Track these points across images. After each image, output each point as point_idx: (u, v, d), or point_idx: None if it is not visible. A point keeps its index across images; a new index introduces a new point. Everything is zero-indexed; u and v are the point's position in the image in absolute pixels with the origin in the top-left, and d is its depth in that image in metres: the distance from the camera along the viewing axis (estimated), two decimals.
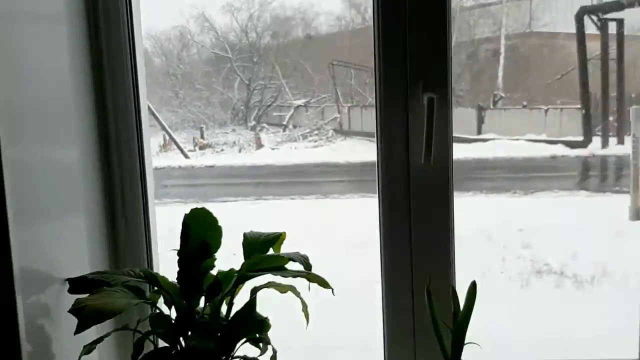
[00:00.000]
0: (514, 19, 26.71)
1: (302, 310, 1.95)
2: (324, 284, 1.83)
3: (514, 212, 8.62)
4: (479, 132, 23.43)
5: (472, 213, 9.28)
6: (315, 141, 24.09)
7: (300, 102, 28.70)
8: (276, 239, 1.95)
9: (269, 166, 15.33)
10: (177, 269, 1.83)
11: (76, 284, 1.74)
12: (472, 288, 2.00)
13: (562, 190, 10.99)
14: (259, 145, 15.75)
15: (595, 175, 14.87)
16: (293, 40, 20.38)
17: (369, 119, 26.31)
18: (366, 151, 20.99)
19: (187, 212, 1.82)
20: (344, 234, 7.61)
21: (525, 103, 24.65)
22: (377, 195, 2.42)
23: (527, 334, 4.40)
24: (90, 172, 1.99)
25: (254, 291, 1.90)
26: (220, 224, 1.87)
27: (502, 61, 25.42)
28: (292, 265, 1.86)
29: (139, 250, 2.24)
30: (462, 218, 7.49)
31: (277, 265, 1.83)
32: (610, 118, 18.54)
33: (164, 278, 1.88)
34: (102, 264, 2.09)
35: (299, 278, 1.82)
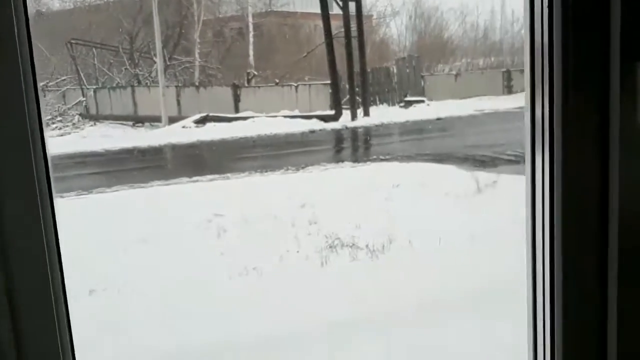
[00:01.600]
0: None
1: None
2: None
3: (291, 189, 8.63)
4: (237, 110, 23.46)
5: (254, 193, 9.10)
6: (60, 128, 21.43)
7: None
8: None
9: None
10: None
11: None
12: None
13: (328, 163, 11.44)
14: None
15: (349, 147, 16.02)
16: None
17: (119, 102, 24.23)
18: (121, 137, 19.35)
19: None
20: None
21: (277, 80, 25.36)
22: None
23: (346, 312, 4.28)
24: None
25: None
26: None
27: (251, 39, 25.61)
28: None
29: None
30: (248, 201, 7.07)
31: None
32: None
33: None
34: None
35: None
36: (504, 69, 26.39)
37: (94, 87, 26.57)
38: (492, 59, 32.59)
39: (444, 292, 4.66)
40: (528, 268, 1.32)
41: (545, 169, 1.14)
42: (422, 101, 22.14)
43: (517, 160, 10.79)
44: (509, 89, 24.82)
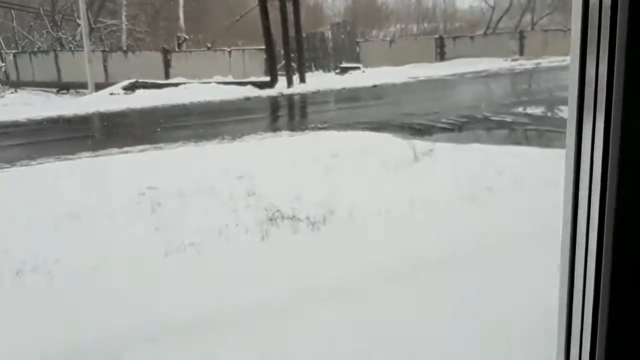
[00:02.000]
0: None
1: None
2: None
3: (228, 160, 8.40)
4: (167, 76, 22.65)
5: (188, 164, 8.81)
6: None
7: None
8: None
9: None
10: None
11: None
12: None
13: (265, 132, 11.19)
14: None
15: (286, 115, 15.82)
16: None
17: (41, 67, 22.89)
18: (45, 105, 18.33)
19: None
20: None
21: (209, 45, 24.58)
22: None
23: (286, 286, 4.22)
24: None
25: None
26: None
27: (181, 2, 24.69)
28: None
29: None
30: (182, 173, 6.85)
31: None
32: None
33: None
34: None
35: None
36: (437, 36, 26.70)
37: (14, 51, 24.90)
38: (426, 25, 32.95)
39: (386, 261, 4.67)
40: (564, 264, 1.08)
41: (596, 140, 0.93)
42: (358, 68, 22.13)
43: (452, 129, 11.00)
44: (441, 56, 25.16)
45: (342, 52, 23.43)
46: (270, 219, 5.78)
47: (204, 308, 4.04)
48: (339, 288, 4.29)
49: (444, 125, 11.21)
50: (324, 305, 3.99)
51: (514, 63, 23.45)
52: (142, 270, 4.79)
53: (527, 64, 22.97)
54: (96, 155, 9.88)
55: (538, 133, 10.29)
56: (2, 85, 21.40)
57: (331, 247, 5.08)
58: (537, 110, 12.06)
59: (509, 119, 11.51)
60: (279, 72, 19.44)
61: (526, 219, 5.61)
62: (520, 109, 12.33)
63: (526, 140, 9.85)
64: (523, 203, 6.10)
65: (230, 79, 21.47)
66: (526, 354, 3.19)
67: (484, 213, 5.85)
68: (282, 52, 19.52)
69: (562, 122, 11.25)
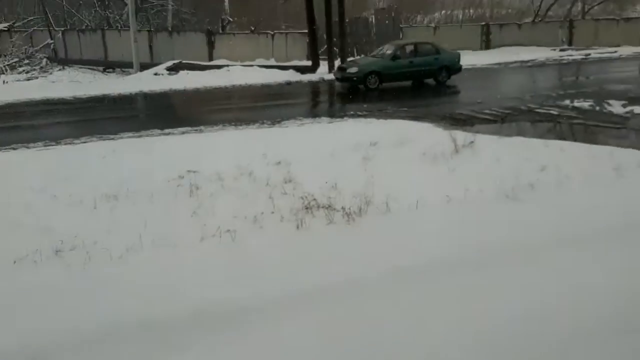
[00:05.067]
0: None
1: None
2: None
3: (267, 145, 8.41)
4: (210, 58, 22.81)
5: (228, 148, 8.87)
6: (27, 72, 20.63)
7: (2, 25, 24.07)
8: None
9: None
10: None
11: None
12: None
13: (305, 118, 11.11)
14: None
15: (326, 101, 15.72)
16: None
17: (88, 46, 23.26)
18: (91, 83, 18.66)
19: None
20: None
21: (252, 28, 24.62)
22: None
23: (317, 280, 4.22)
24: None
25: None
26: None
27: None
28: None
29: None
30: (221, 157, 6.85)
31: None
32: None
33: None
34: None
35: None
36: (483, 23, 26.07)
37: (62, 29, 25.42)
38: (472, 11, 32.19)
39: (417, 258, 4.62)
40: None
41: None
42: None
43: (495, 120, 10.75)
44: (486, 43, 24.59)
45: (386, 38, 23.11)
46: (307, 208, 5.77)
47: (235, 295, 4.08)
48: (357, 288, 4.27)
49: (486, 117, 10.96)
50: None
51: (562, 53, 22.73)
52: (177, 255, 4.87)
53: (575, 54, 22.24)
54: (139, 135, 10.05)
55: (585, 127, 9.96)
56: (50, 62, 21.93)
57: (363, 240, 5.04)
58: (584, 104, 11.66)
59: (554, 111, 11.17)
60: (321, 57, 19.33)
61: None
62: (567, 102, 11.95)
63: (572, 135, 9.54)
64: (569, 202, 5.93)
65: (272, 62, 21.48)
66: None
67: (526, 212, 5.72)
68: (325, 36, 19.39)
69: (611, 116, 10.90)
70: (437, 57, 15.89)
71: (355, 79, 15.15)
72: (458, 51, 17.21)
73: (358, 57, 20.15)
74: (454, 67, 16.23)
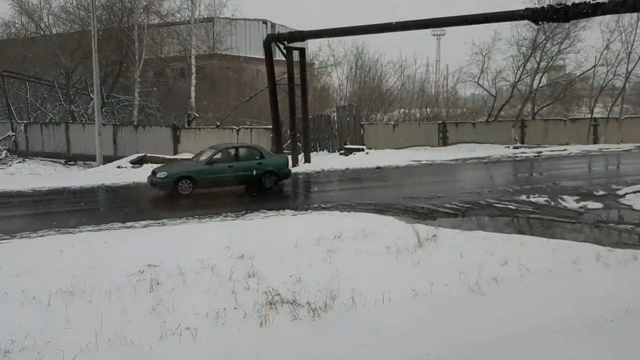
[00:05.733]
0: (201, 40, 27.06)
1: None
2: None
3: (230, 237, 8.30)
4: (176, 151, 23.00)
5: (190, 241, 8.72)
6: None
7: None
8: None
9: None
10: None
11: None
12: None
13: (268, 210, 11.10)
14: None
15: (290, 193, 15.84)
16: None
17: (51, 138, 23.26)
18: (52, 175, 18.37)
19: None
20: None
21: (218, 123, 25.13)
22: None
23: None
24: None
25: None
26: None
27: (193, 81, 25.45)
28: None
29: None
30: (184, 250, 6.71)
31: None
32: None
33: None
34: None
35: None
36: (439, 121, 27.25)
37: (25, 121, 25.39)
38: (428, 110, 33.71)
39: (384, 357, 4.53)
40: None
41: None
42: (362, 149, 22.43)
43: (455, 214, 10.98)
44: (444, 141, 25.57)
45: (347, 134, 23.86)
46: (270, 303, 5.64)
47: None
48: None
49: (448, 210, 11.20)
50: None
51: (515, 150, 23.78)
52: (135, 354, 4.63)
53: (528, 151, 23.28)
54: (99, 229, 9.83)
55: (542, 222, 10.26)
56: (10, 154, 21.69)
57: (329, 340, 4.92)
58: (540, 199, 12.08)
59: (512, 206, 11.51)
60: (285, 152, 19.71)
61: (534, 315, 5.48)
62: (523, 197, 12.35)
63: (530, 229, 9.80)
64: (531, 296, 5.98)
65: None
66: None
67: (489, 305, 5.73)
68: (289, 132, 19.89)
69: (566, 211, 11.29)
70: (261, 162, 14.84)
71: (164, 184, 13.83)
72: (286, 155, 16.72)
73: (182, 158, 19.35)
74: (281, 172, 15.15)
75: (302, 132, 20.09)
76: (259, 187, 14.53)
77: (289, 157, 16.03)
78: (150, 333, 4.98)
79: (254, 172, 14.61)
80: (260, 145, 22.78)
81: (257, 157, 15.03)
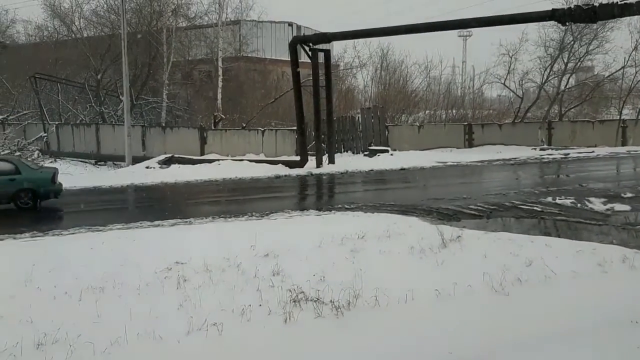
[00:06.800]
0: (228, 43, 27.37)
1: None
2: None
3: (255, 237, 8.44)
4: (202, 152, 23.35)
5: (217, 240, 8.89)
6: None
7: None
8: None
9: None
10: None
11: None
12: None
13: (293, 210, 11.25)
14: None
15: (314, 194, 15.98)
16: None
17: (82, 139, 23.83)
18: (82, 175, 18.82)
19: None
20: None
21: (244, 124, 25.40)
22: None
23: None
24: None
25: None
26: None
27: (220, 83, 25.76)
28: None
29: None
30: (210, 249, 6.84)
31: None
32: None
33: None
34: None
35: None
36: (465, 122, 27.07)
37: (57, 122, 26.04)
38: (454, 112, 33.50)
39: (408, 357, 4.58)
40: None
41: None
42: (386, 151, 22.43)
43: (480, 215, 10.94)
44: (469, 142, 25.41)
45: (372, 135, 23.88)
46: (294, 301, 5.74)
47: None
48: None
49: (473, 212, 11.17)
50: None
51: (542, 152, 23.50)
52: (162, 349, 4.76)
53: (555, 153, 22.99)
54: (128, 227, 10.06)
55: (568, 224, 10.17)
56: (42, 154, 22.25)
57: (353, 336, 5.00)
58: (566, 201, 11.95)
59: (538, 208, 11.42)
60: (309, 153, 19.84)
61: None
62: (549, 199, 12.23)
63: (556, 231, 9.72)
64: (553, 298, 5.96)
65: (262, 157, 21.96)
66: None
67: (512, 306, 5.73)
68: (313, 133, 20.01)
69: (593, 213, 11.15)
70: (15, 178, 12.38)
71: None
72: (54, 168, 13.83)
73: None
74: (43, 191, 12.62)
75: (327, 133, 20.18)
76: (19, 208, 12.38)
77: (56, 171, 13.36)
78: (177, 328, 5.13)
79: (5, 190, 12.30)
80: (285, 146, 23.01)
81: (9, 173, 12.50)
